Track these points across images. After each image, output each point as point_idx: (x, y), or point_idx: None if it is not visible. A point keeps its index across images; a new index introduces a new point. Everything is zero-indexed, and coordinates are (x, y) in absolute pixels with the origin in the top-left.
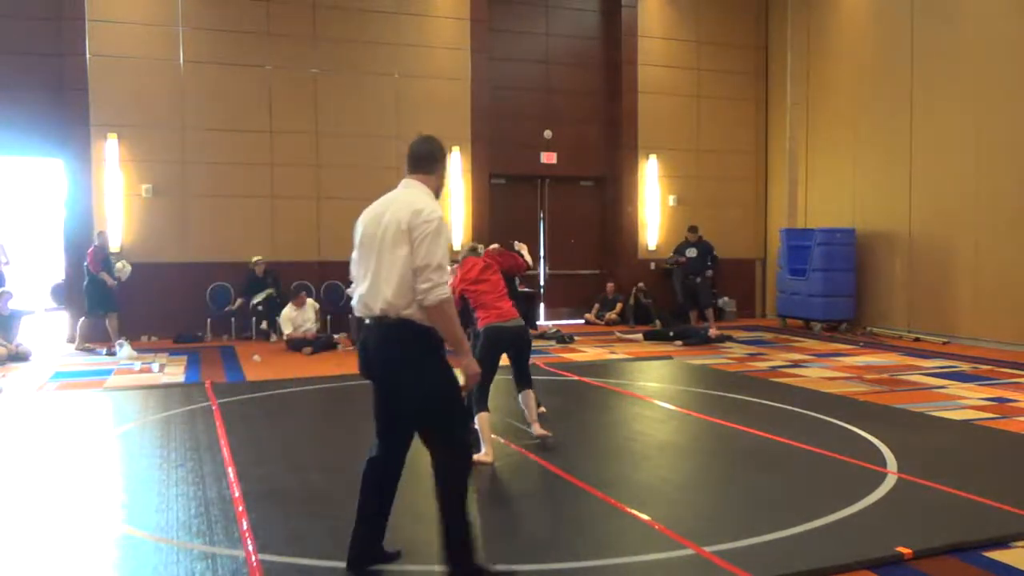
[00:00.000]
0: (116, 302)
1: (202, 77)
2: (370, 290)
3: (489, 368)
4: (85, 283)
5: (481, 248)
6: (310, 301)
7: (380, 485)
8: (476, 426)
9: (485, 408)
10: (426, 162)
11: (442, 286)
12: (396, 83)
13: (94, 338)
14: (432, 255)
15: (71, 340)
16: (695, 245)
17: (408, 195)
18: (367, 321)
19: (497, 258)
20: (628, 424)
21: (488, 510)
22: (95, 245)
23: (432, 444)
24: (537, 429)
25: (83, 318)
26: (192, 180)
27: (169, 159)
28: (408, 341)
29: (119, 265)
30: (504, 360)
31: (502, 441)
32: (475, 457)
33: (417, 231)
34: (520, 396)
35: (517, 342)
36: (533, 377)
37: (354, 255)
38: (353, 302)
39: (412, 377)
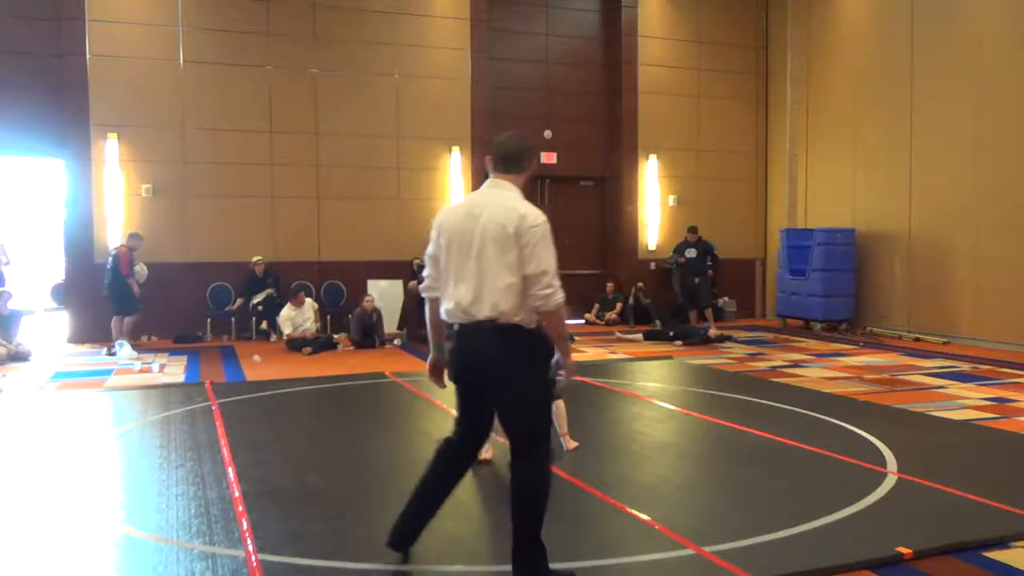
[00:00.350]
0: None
1: (202, 77)
2: (471, 296)
3: None
4: (109, 282)
5: None
6: (309, 301)
7: (451, 470)
8: None
9: None
10: (515, 161)
11: (559, 291)
12: (396, 83)
13: (94, 338)
14: (547, 261)
15: (71, 340)
16: (695, 245)
17: (503, 197)
18: (461, 326)
19: None
20: (628, 424)
21: (488, 510)
22: (126, 247)
23: (520, 448)
24: (569, 442)
25: (117, 317)
26: (192, 180)
27: (169, 159)
28: (519, 346)
29: (138, 267)
30: None
31: (501, 441)
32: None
33: (525, 237)
34: (553, 406)
35: None
36: None
37: (431, 252)
38: (447, 307)
39: (521, 381)
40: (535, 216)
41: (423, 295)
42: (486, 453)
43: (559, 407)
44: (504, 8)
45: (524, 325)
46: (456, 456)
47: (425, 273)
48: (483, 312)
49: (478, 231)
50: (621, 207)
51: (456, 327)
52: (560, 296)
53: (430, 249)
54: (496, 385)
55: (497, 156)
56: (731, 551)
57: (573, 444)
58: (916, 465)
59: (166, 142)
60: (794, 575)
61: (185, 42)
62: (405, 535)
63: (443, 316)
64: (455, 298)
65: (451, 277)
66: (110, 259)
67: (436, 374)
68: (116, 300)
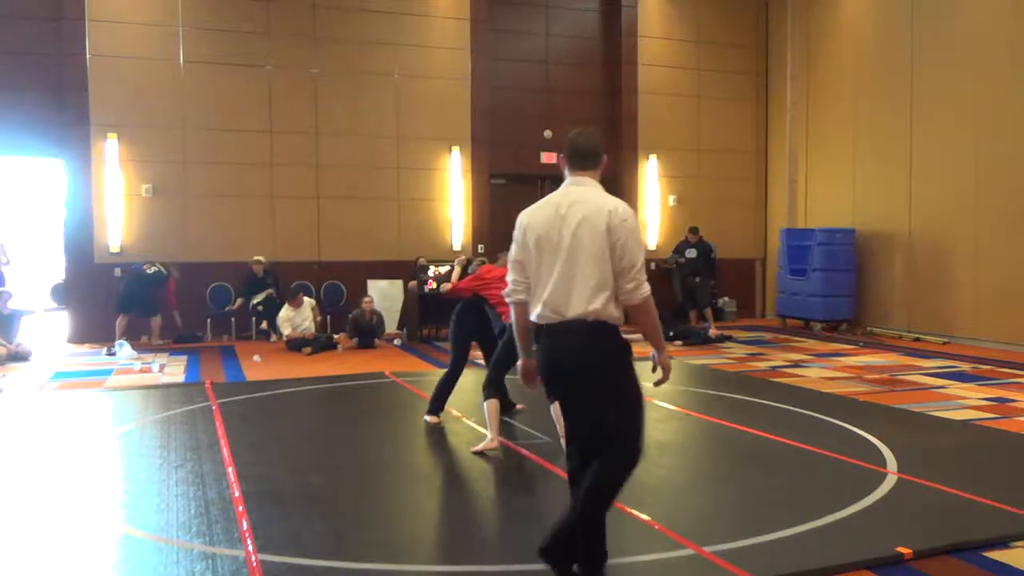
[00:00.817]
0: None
1: (202, 77)
2: (560, 294)
3: (514, 360)
4: (140, 294)
5: (501, 258)
6: (307, 300)
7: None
8: (485, 412)
9: (495, 395)
10: (593, 158)
11: (645, 284)
12: (396, 83)
13: (94, 338)
14: (636, 255)
15: (71, 340)
16: (695, 246)
17: (591, 194)
18: (549, 326)
19: None
20: None
21: (488, 510)
22: (175, 277)
23: (609, 447)
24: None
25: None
26: (192, 180)
27: (169, 159)
28: (611, 344)
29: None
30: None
31: (502, 441)
32: (480, 446)
33: (618, 232)
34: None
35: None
36: None
37: (516, 256)
38: (538, 309)
39: (614, 379)
40: (625, 210)
41: (508, 300)
42: (491, 443)
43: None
44: (504, 8)
45: (613, 322)
46: (583, 467)
47: (509, 278)
48: (575, 310)
49: (568, 229)
50: None
51: (545, 327)
52: (647, 288)
53: (514, 253)
54: (589, 384)
55: (573, 153)
56: (731, 551)
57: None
58: (916, 465)
59: (166, 142)
60: (794, 575)
61: (185, 42)
62: (565, 553)
63: (533, 318)
64: (546, 298)
65: (540, 278)
66: (147, 270)
67: (530, 378)
68: (147, 304)
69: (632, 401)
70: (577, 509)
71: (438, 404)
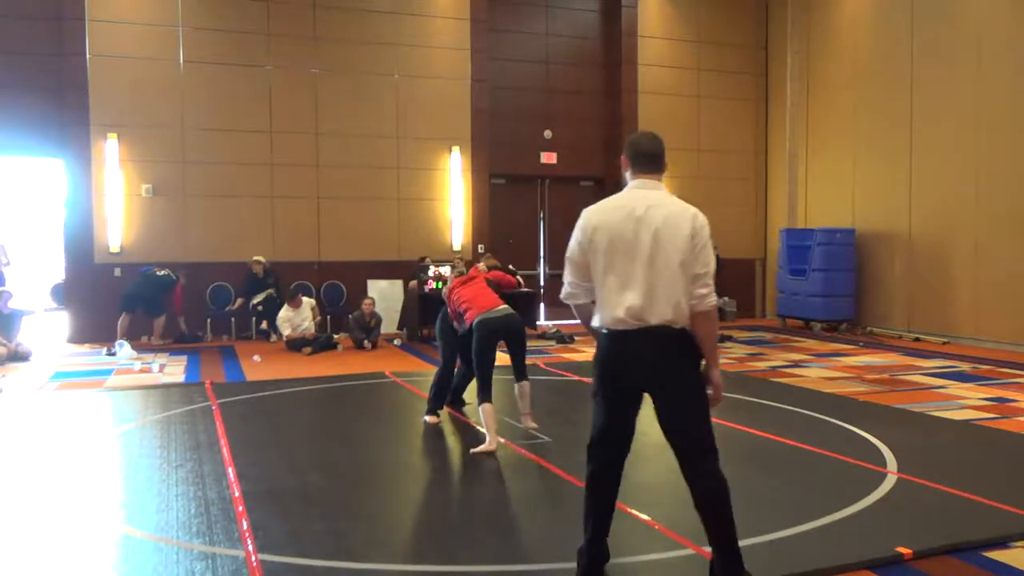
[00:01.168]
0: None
1: (202, 77)
2: (643, 299)
3: (488, 360)
4: (145, 293)
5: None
6: (307, 300)
7: (609, 477)
8: (481, 417)
9: (488, 400)
10: (659, 160)
11: (713, 291)
12: (396, 83)
13: (94, 338)
14: (711, 261)
15: (71, 340)
16: None
17: (665, 197)
18: (625, 332)
19: (488, 275)
20: None
21: (488, 510)
22: (183, 283)
23: (697, 454)
24: (528, 422)
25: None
26: (192, 180)
27: (169, 159)
28: (686, 351)
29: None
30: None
31: (501, 441)
32: (480, 448)
33: (698, 237)
34: (516, 388)
35: (509, 329)
36: (534, 377)
37: (577, 256)
38: (612, 313)
39: (691, 385)
40: (702, 215)
41: (569, 303)
42: (490, 445)
43: (523, 388)
44: (504, 8)
45: (687, 328)
46: (609, 463)
47: (569, 279)
48: (657, 316)
49: (647, 232)
50: None
51: (616, 331)
52: (715, 297)
53: (576, 254)
54: (667, 390)
55: (638, 156)
56: None
57: (532, 425)
58: (916, 465)
59: (166, 142)
60: (794, 575)
61: (185, 42)
62: (596, 561)
63: (598, 323)
64: (622, 303)
65: (613, 282)
66: (157, 272)
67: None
68: (153, 305)
69: (706, 406)
70: (714, 534)
71: (436, 403)
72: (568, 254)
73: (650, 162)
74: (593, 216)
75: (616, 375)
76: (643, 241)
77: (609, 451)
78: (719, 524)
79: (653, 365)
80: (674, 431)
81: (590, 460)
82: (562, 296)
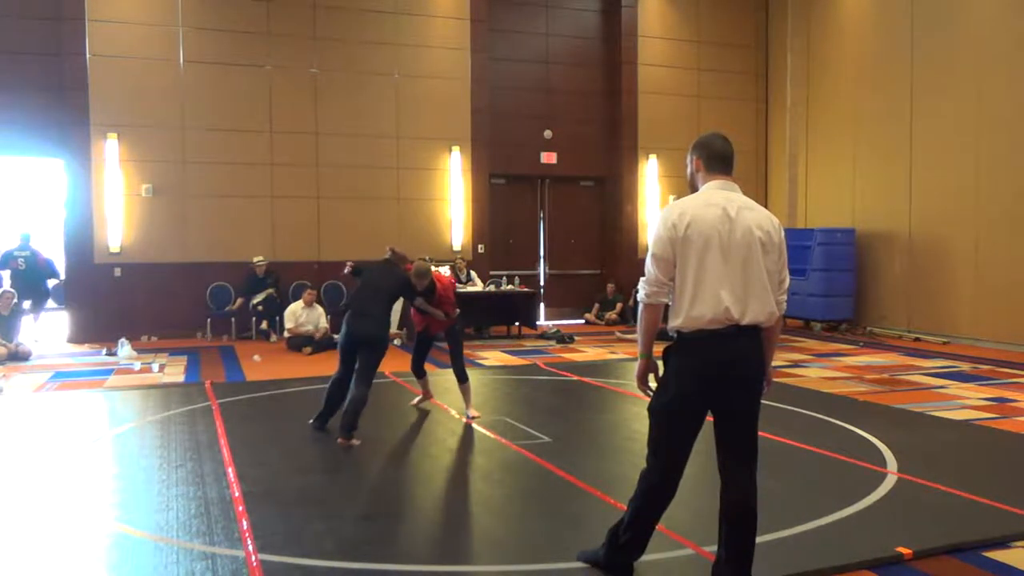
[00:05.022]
0: None
1: (202, 77)
2: (738, 300)
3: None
4: (35, 281)
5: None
6: (318, 306)
7: (660, 507)
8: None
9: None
10: (732, 162)
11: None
12: (396, 83)
13: (94, 338)
14: (786, 266)
15: (71, 340)
16: None
17: (749, 200)
18: (712, 332)
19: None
20: (628, 424)
21: (488, 510)
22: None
23: (751, 461)
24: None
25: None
26: (192, 180)
27: (169, 159)
28: (762, 351)
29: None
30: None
31: (502, 441)
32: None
33: (783, 245)
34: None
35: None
36: (534, 377)
37: (665, 253)
38: (701, 312)
39: (760, 387)
40: (778, 222)
41: (650, 301)
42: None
43: (465, 388)
44: (504, 8)
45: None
46: (665, 498)
47: (654, 278)
48: (753, 317)
49: (742, 234)
50: (621, 207)
51: (715, 332)
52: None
53: (664, 248)
54: (746, 392)
55: (714, 157)
56: None
57: (476, 414)
58: (916, 465)
59: (166, 142)
60: (794, 575)
61: (185, 42)
62: (628, 564)
63: (679, 322)
64: (717, 303)
65: (708, 280)
66: (38, 260)
67: (646, 381)
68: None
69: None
70: (742, 535)
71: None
72: (654, 250)
73: (725, 162)
74: (687, 212)
75: (706, 378)
76: (738, 242)
77: (675, 475)
78: (747, 541)
79: (748, 367)
80: (740, 438)
81: (652, 485)
82: (643, 296)
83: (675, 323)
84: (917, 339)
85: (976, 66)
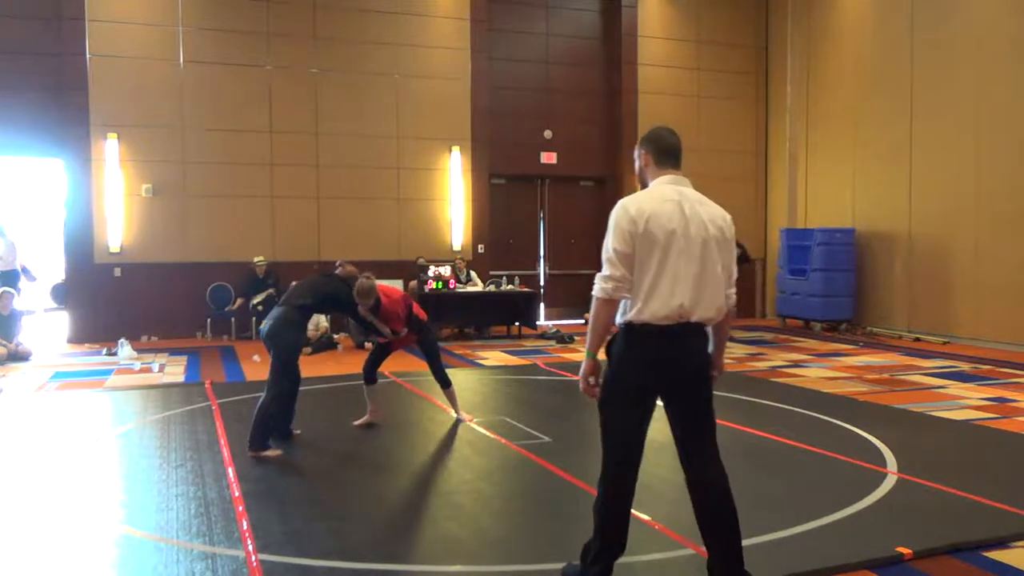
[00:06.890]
0: None
1: (202, 77)
2: (692, 296)
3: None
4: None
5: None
6: None
7: (627, 505)
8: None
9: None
10: (680, 156)
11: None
12: (396, 83)
13: (94, 338)
14: (735, 263)
15: (71, 340)
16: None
17: (701, 195)
18: (665, 327)
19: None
20: None
21: (488, 510)
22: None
23: (710, 450)
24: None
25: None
26: (192, 180)
27: (169, 159)
28: (708, 344)
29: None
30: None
31: (502, 441)
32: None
33: (732, 240)
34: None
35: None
36: (534, 377)
37: (624, 248)
38: (656, 308)
39: (710, 379)
40: (730, 217)
41: (611, 296)
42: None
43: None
44: (504, 8)
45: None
46: (629, 492)
47: (614, 272)
48: (703, 314)
49: (697, 229)
50: None
51: (665, 327)
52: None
53: (626, 243)
54: (694, 384)
55: (663, 151)
56: None
57: (467, 416)
58: (916, 465)
59: (166, 142)
60: (794, 575)
61: (185, 42)
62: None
63: (635, 318)
64: (672, 299)
65: (664, 276)
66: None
67: (593, 384)
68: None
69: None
70: (723, 519)
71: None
72: (615, 245)
73: (675, 157)
74: (645, 206)
75: (656, 373)
76: (695, 238)
77: (634, 468)
78: (730, 524)
79: (696, 362)
80: (696, 428)
81: (614, 481)
82: (604, 292)
83: (627, 317)
84: (917, 339)
85: (976, 66)
